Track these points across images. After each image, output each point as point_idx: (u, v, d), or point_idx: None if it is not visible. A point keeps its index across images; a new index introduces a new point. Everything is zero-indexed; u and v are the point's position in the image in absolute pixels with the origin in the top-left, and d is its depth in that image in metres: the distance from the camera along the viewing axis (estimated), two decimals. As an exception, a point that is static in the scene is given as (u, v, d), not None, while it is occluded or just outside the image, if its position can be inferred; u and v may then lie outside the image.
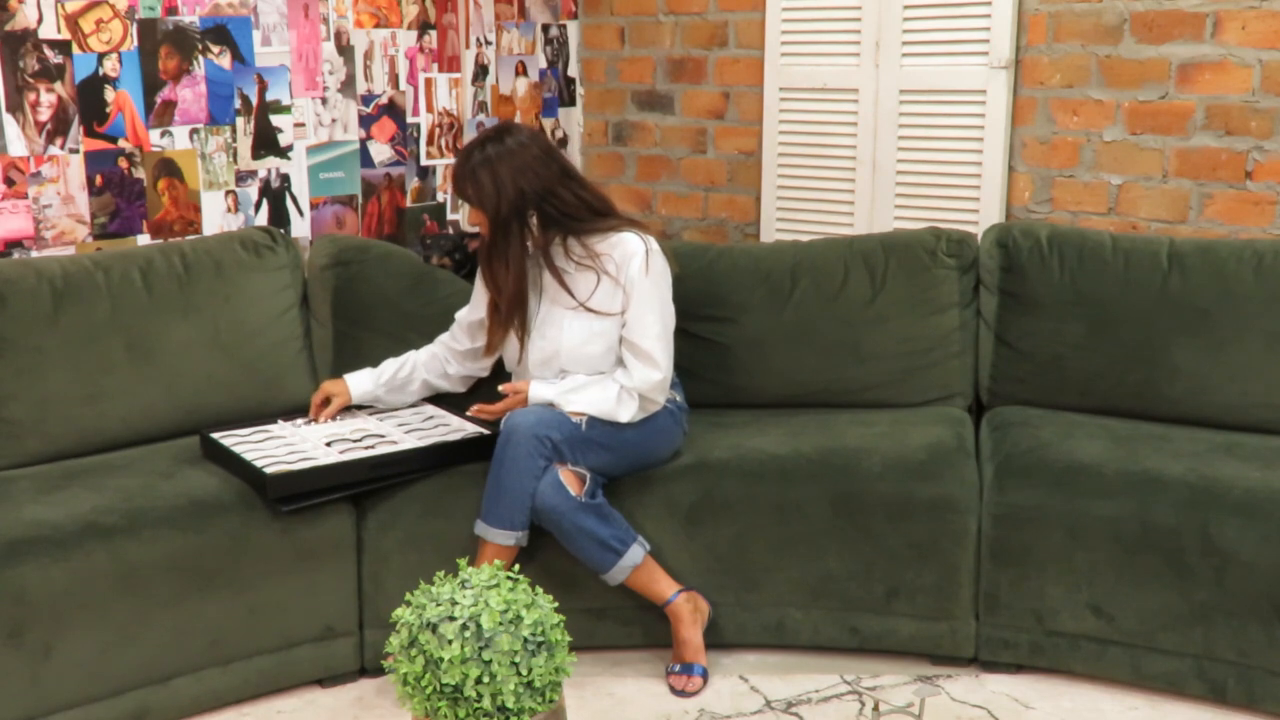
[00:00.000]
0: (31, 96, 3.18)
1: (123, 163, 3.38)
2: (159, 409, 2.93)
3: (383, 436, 2.87)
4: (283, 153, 3.72)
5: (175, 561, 2.53)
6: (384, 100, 3.97)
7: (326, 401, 2.99)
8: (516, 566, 2.17)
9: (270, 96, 3.66)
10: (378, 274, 3.19)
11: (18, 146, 3.18)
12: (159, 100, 3.43)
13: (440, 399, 3.08)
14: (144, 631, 2.51)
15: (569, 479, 2.66)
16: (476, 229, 2.90)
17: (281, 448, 2.80)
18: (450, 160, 4.17)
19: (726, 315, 3.19)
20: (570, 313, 2.82)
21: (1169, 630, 2.63)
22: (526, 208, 2.77)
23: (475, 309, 2.98)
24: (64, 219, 3.28)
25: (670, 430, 2.86)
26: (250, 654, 2.66)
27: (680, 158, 4.38)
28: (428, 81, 4.08)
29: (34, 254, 3.21)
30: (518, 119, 4.41)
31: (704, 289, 3.20)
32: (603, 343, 2.81)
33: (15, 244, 3.20)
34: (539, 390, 2.78)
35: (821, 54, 3.93)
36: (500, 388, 2.85)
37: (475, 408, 2.89)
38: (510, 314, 2.83)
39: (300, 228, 3.79)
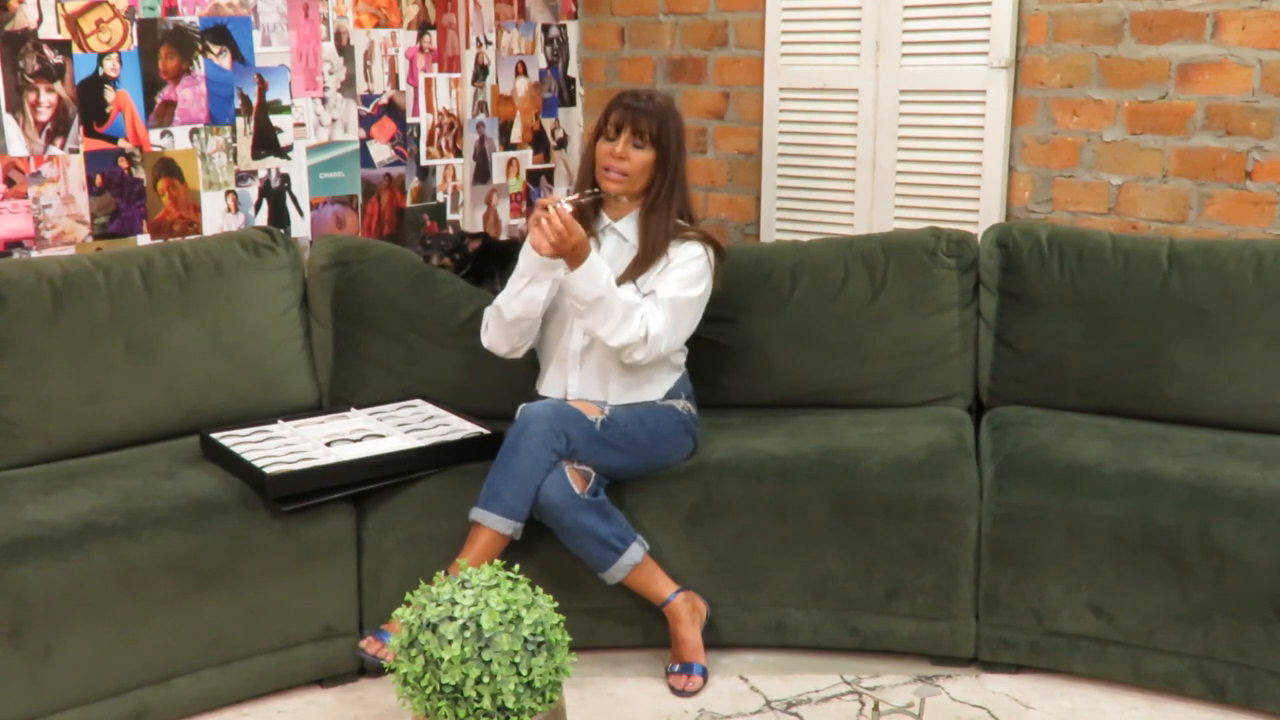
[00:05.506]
0: (31, 96, 3.18)
1: (123, 163, 3.38)
2: (159, 409, 2.93)
3: (383, 436, 2.87)
4: (283, 153, 3.72)
5: (175, 561, 2.53)
6: (384, 100, 3.97)
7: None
8: (516, 566, 2.17)
9: (270, 96, 3.66)
10: (378, 274, 3.19)
11: (18, 146, 3.18)
12: (159, 100, 3.43)
13: (438, 400, 3.09)
14: (144, 631, 2.51)
15: (573, 476, 2.66)
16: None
17: (281, 448, 2.80)
18: (451, 160, 4.17)
19: (726, 315, 3.19)
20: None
21: (1169, 630, 2.63)
22: (682, 168, 2.91)
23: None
24: (64, 219, 3.28)
25: (681, 439, 2.87)
26: (250, 654, 2.65)
27: (680, 158, 4.37)
28: (428, 81, 4.08)
29: (34, 254, 3.21)
30: (518, 119, 4.41)
31: (704, 289, 3.20)
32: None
33: (15, 244, 3.20)
34: (596, 257, 2.69)
35: (821, 54, 3.93)
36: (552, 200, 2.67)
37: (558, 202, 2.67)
38: (645, 266, 2.84)
39: (300, 228, 3.79)
